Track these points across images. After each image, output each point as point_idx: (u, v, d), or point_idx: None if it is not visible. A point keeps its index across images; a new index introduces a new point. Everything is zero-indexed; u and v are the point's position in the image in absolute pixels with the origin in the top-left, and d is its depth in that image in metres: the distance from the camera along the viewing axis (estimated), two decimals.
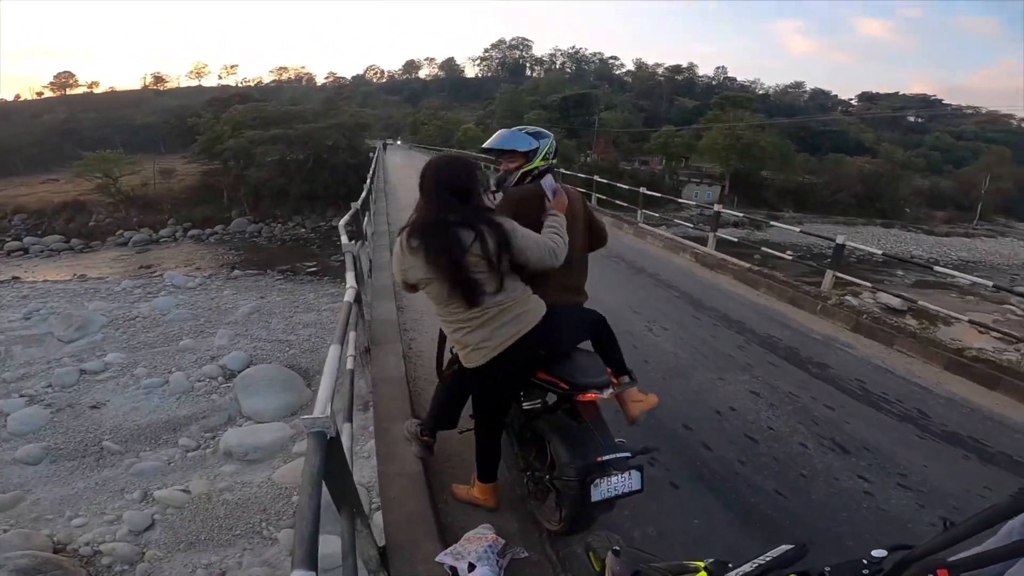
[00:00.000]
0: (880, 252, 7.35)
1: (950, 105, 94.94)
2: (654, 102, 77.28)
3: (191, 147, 35.60)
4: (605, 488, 1.84)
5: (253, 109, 36.45)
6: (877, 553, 0.74)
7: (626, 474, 1.86)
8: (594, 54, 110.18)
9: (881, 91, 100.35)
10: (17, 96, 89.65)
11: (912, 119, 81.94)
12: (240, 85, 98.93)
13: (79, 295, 15.93)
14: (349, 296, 2.69)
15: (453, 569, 1.92)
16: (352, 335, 2.88)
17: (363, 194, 7.21)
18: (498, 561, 1.96)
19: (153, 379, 9.36)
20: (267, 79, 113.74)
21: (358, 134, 35.22)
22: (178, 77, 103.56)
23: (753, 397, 3.66)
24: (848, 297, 6.67)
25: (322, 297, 15.53)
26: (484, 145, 2.31)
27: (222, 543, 5.46)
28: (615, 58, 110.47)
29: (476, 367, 1.94)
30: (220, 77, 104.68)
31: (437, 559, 1.97)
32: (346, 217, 4.89)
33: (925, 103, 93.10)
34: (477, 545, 1.98)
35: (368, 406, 3.41)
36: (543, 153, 2.23)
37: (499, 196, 2.31)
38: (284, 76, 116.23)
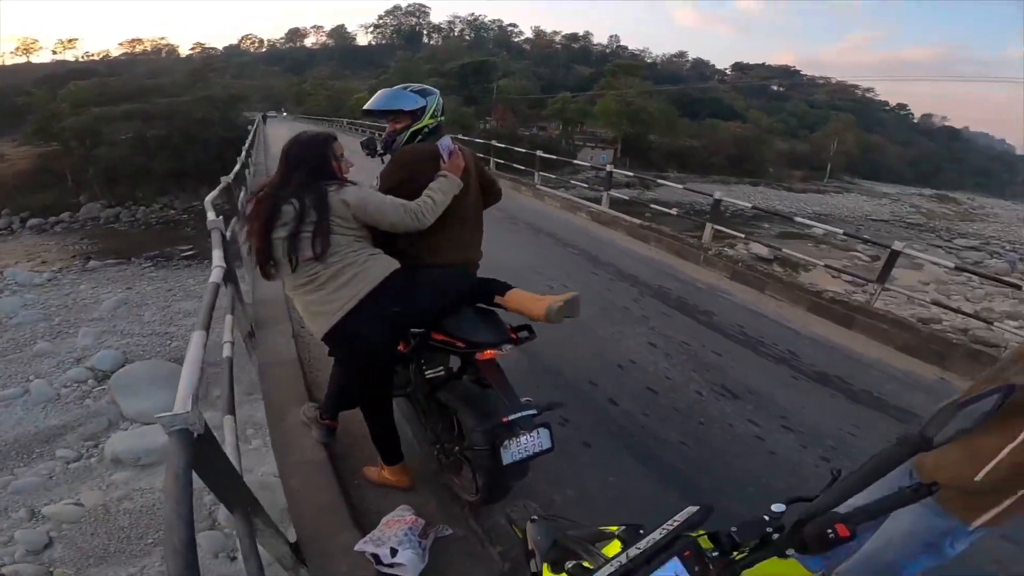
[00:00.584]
0: (751, 206, 8.02)
1: (806, 76, 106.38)
2: (552, 69, 78.07)
3: (23, 128, 30.48)
4: (515, 450, 1.79)
5: (98, 84, 32.52)
6: (776, 508, 0.75)
7: (534, 433, 1.83)
8: (493, 21, 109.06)
9: (751, 62, 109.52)
10: None
11: (776, 88, 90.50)
12: (81, 60, 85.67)
13: None
14: (215, 276, 2.38)
15: (375, 556, 1.82)
16: (229, 318, 2.60)
17: (236, 167, 6.55)
18: (420, 542, 1.88)
19: (10, 390, 8.22)
20: (116, 52, 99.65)
21: (233, 106, 32.42)
22: (1, 55, 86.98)
23: (651, 348, 3.87)
24: (726, 248, 7.30)
25: (202, 283, 14.13)
26: (366, 106, 2.12)
27: (136, 553, 5.03)
28: (514, 25, 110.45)
29: (325, 335, 1.86)
30: (55, 52, 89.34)
31: (356, 548, 1.86)
32: (214, 192, 4.38)
33: (787, 74, 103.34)
34: (397, 528, 1.89)
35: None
36: (431, 111, 2.09)
37: (387, 159, 2.16)
38: (138, 48, 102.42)
